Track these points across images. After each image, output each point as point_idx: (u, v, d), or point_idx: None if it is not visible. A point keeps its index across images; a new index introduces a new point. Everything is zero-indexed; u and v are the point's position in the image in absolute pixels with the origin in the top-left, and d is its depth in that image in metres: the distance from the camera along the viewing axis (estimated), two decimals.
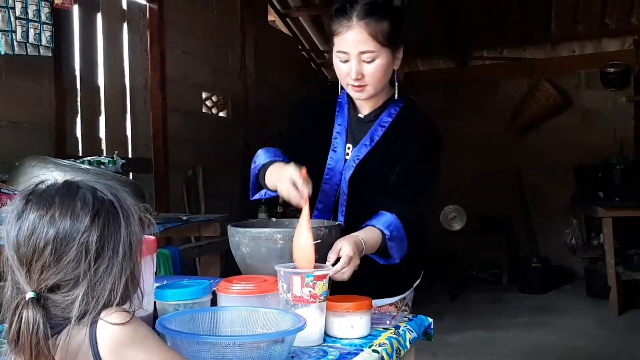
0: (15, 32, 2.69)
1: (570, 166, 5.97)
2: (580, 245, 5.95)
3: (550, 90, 6.28)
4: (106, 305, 0.92)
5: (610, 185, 5.11)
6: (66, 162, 2.39)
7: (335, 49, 1.57)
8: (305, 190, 1.39)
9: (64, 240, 0.90)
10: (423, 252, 1.79)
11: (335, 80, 1.67)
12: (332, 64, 1.63)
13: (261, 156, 1.63)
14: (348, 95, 1.68)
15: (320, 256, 1.41)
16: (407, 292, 1.75)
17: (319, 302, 1.22)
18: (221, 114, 4.82)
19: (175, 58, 4.11)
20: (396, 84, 1.66)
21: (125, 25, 3.73)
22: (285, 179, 1.42)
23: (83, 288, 0.90)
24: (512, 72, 6.60)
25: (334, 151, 1.68)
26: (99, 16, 3.52)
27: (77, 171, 2.25)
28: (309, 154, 1.67)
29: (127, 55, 3.75)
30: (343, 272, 1.36)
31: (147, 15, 3.90)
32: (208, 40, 4.53)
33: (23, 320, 0.88)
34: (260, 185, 1.63)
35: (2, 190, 2.22)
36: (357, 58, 1.53)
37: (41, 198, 0.92)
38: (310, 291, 1.21)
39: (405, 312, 1.67)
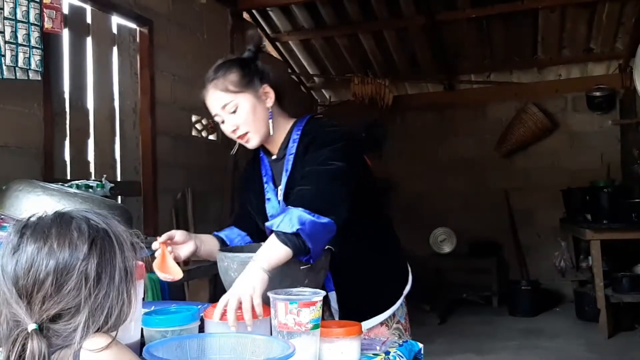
0: (4, 56, 2.68)
1: (558, 189, 6.00)
2: (570, 267, 5.96)
3: (538, 113, 6.33)
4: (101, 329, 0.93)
5: (598, 208, 5.13)
6: (54, 186, 2.36)
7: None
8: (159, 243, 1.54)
9: (64, 269, 0.91)
10: (401, 256, 1.80)
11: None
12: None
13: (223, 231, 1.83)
14: (261, 147, 1.77)
15: (310, 281, 1.40)
16: (397, 305, 1.74)
17: (305, 330, 1.18)
18: (211, 137, 4.82)
19: (165, 81, 4.12)
20: (270, 120, 1.70)
21: (115, 49, 3.74)
22: None
23: (84, 315, 0.91)
24: (500, 96, 6.67)
25: (268, 200, 1.74)
26: (89, 40, 3.52)
27: (65, 195, 2.23)
28: (256, 216, 1.77)
29: (117, 79, 3.75)
30: (246, 310, 1.24)
31: (137, 39, 3.91)
32: (198, 64, 4.53)
33: (28, 352, 0.88)
34: None
35: None
36: (224, 113, 1.67)
37: (36, 230, 0.94)
38: (294, 319, 1.17)
39: (396, 338, 1.65)
